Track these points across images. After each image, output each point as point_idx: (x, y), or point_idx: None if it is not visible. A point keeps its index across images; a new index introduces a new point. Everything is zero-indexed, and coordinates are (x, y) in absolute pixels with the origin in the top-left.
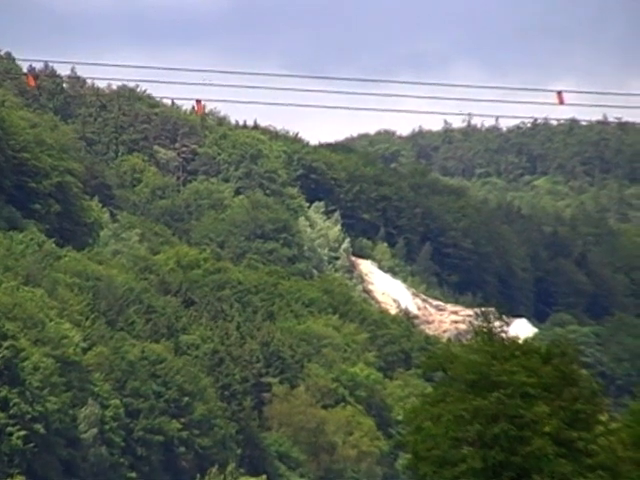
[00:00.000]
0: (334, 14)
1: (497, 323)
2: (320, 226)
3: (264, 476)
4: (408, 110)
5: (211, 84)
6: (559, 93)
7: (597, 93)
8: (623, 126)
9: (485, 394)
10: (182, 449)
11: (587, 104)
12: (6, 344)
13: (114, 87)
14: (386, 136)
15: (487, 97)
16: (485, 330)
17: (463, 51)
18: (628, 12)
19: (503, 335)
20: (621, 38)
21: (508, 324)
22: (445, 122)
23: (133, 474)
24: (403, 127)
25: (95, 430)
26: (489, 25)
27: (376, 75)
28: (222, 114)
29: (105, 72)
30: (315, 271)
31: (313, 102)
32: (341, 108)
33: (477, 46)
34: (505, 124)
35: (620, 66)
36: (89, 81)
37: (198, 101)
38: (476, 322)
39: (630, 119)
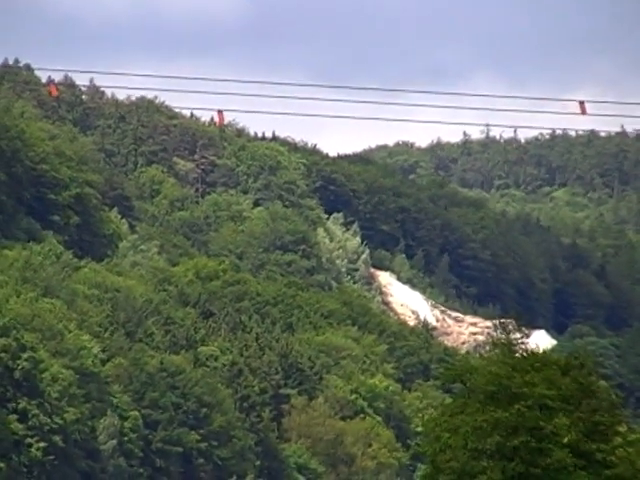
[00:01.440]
0: (354, 24)
1: (517, 335)
2: (339, 237)
3: None
4: (426, 120)
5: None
6: (581, 103)
7: (619, 103)
8: None
9: (505, 406)
10: (201, 460)
11: (609, 114)
12: (25, 355)
13: (133, 98)
14: (405, 147)
15: (506, 108)
16: (504, 342)
17: (483, 62)
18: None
19: (522, 347)
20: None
21: (528, 335)
22: (464, 133)
23: None
24: (422, 139)
25: (114, 441)
26: (509, 36)
27: (395, 86)
28: (241, 125)
29: (124, 82)
30: (334, 282)
31: (332, 112)
32: (360, 118)
33: (497, 57)
34: (524, 135)
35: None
36: (108, 92)
37: (219, 112)
38: (495, 334)
39: None
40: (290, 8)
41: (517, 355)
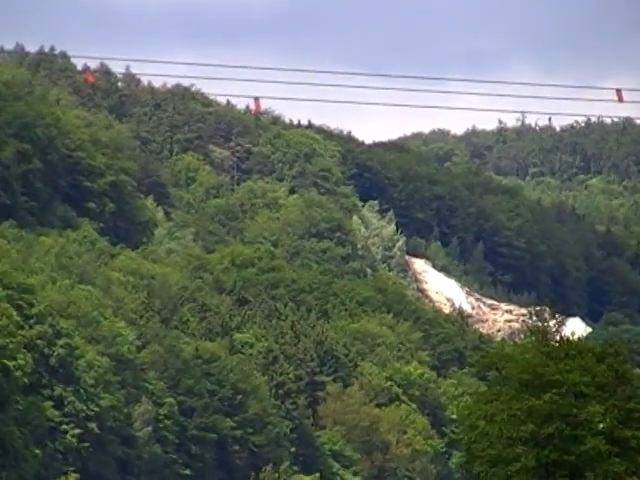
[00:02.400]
0: (390, 11)
1: (552, 322)
2: (374, 225)
3: (317, 474)
4: (461, 107)
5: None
6: (618, 91)
7: None
8: None
9: (539, 394)
10: (236, 447)
11: None
12: (61, 342)
13: (169, 86)
14: (440, 135)
15: (542, 95)
16: (539, 329)
17: (519, 50)
18: None
19: (557, 334)
20: None
21: (563, 323)
22: (499, 121)
23: (187, 472)
24: (457, 126)
25: (149, 428)
26: (545, 23)
27: (431, 74)
28: (276, 113)
29: (160, 70)
30: (369, 270)
31: (367, 100)
32: (395, 105)
33: (533, 44)
34: (559, 123)
35: None
36: (144, 80)
37: (256, 99)
38: (530, 321)
39: None
40: None
41: (552, 343)
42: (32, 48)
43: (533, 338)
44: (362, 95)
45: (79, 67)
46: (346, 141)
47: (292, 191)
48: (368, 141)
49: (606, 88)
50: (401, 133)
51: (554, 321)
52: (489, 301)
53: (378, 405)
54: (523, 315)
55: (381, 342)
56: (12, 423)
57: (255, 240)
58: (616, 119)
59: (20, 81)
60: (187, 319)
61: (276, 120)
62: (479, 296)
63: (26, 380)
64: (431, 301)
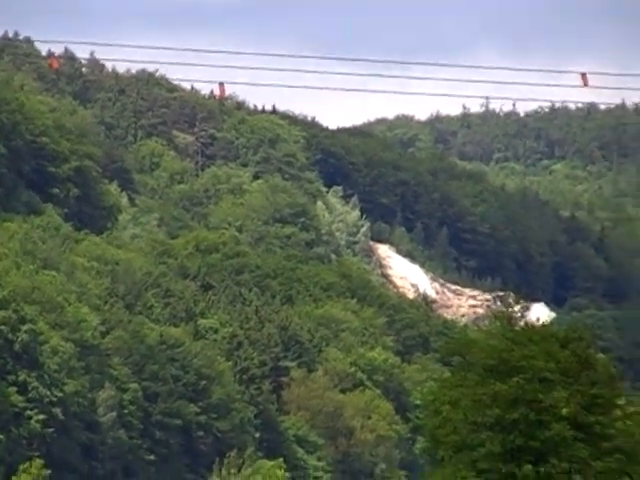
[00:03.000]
0: None
1: (517, 307)
2: (338, 210)
3: (281, 459)
4: (425, 93)
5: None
6: (583, 75)
7: (620, 75)
8: None
9: (504, 379)
10: (200, 433)
11: (610, 87)
12: (25, 328)
13: (133, 72)
14: (404, 121)
15: (508, 80)
16: (504, 315)
17: (485, 33)
18: None
19: (522, 320)
20: None
21: (528, 308)
22: (463, 107)
23: (152, 457)
24: (421, 112)
25: (114, 414)
26: (512, 7)
27: (396, 58)
28: (240, 98)
29: (124, 55)
30: (333, 255)
31: (332, 85)
32: (359, 90)
33: (500, 28)
34: (523, 109)
35: None
36: (108, 66)
37: (221, 84)
38: (494, 306)
39: None
40: None
41: (516, 328)
42: None
43: (498, 323)
44: (326, 80)
45: (43, 52)
46: (310, 126)
47: (256, 176)
48: (332, 126)
49: (571, 72)
50: (365, 119)
51: (519, 306)
52: (453, 286)
53: (342, 390)
54: (487, 300)
55: (345, 327)
56: None
57: (219, 225)
58: (580, 104)
59: None
60: (151, 305)
61: (240, 105)
62: (443, 281)
63: None
64: (395, 286)
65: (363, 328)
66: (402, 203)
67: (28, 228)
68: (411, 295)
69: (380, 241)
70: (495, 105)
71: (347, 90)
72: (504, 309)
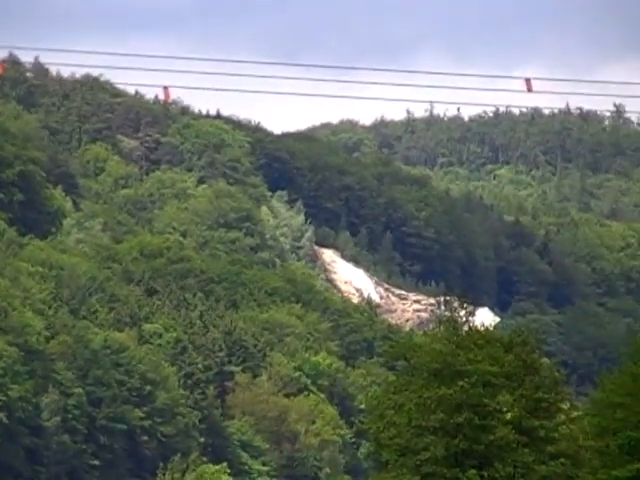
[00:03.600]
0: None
1: (462, 312)
2: (283, 215)
3: (224, 463)
4: (369, 97)
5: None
6: (527, 80)
7: (564, 80)
8: (585, 116)
9: (448, 383)
10: (145, 437)
11: (555, 92)
12: None
13: (77, 76)
14: (349, 125)
15: (452, 84)
16: (449, 319)
17: (430, 38)
18: None
19: (467, 324)
20: (589, 24)
21: (473, 313)
22: (407, 112)
23: (96, 462)
24: (365, 116)
25: (58, 418)
26: (457, 11)
27: (342, 62)
28: (185, 103)
29: (69, 59)
30: (278, 260)
31: (275, 89)
32: (303, 95)
33: (445, 32)
34: (467, 113)
35: (588, 53)
36: (52, 70)
37: (165, 88)
38: (439, 311)
39: (594, 107)
40: None
41: (461, 333)
42: None
43: (442, 328)
44: (271, 84)
45: None
46: (255, 131)
47: (201, 181)
48: (277, 131)
49: (515, 77)
50: (310, 123)
51: (464, 311)
52: (398, 291)
53: (287, 395)
54: (432, 305)
55: (290, 332)
56: None
57: (164, 230)
58: (525, 109)
59: None
60: (96, 309)
61: (185, 110)
62: (388, 286)
63: None
64: (340, 291)
65: (307, 333)
66: (347, 208)
67: None
68: (356, 300)
69: (325, 246)
70: (439, 110)
71: (291, 94)
72: (449, 313)
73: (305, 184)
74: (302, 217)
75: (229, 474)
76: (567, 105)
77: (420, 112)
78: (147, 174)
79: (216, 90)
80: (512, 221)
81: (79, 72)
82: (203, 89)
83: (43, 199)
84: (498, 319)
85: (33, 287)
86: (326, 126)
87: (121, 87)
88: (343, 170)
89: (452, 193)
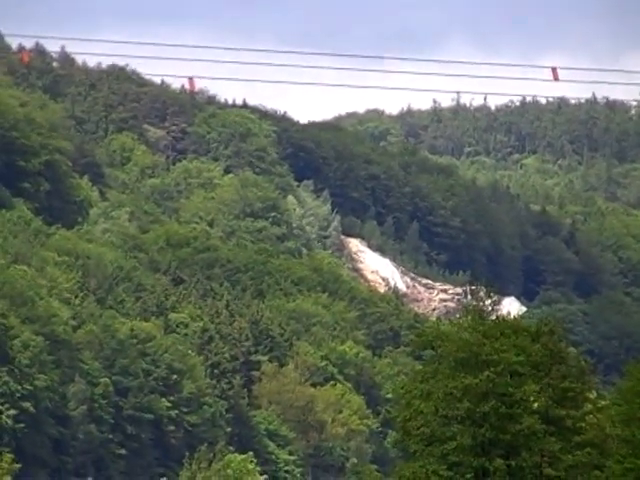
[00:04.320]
0: None
1: (488, 301)
2: (309, 205)
3: (250, 453)
4: (396, 87)
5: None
6: (554, 69)
7: (590, 69)
8: (611, 105)
9: (475, 372)
10: (171, 427)
11: (580, 80)
12: None
13: (104, 66)
14: (375, 115)
15: (479, 74)
16: (475, 308)
17: (456, 27)
18: None
19: (493, 313)
20: (614, 11)
21: (499, 302)
22: (434, 101)
23: (123, 451)
24: (392, 106)
25: (84, 408)
26: (483, 1)
27: (368, 51)
28: (211, 93)
29: (95, 49)
30: (304, 249)
31: (302, 79)
32: (330, 85)
33: (471, 21)
34: (494, 103)
35: (614, 41)
36: (79, 60)
37: (190, 79)
38: (465, 300)
39: (620, 96)
40: None
41: (487, 322)
42: None
43: (469, 317)
44: (297, 74)
45: (14, 47)
46: (281, 121)
47: (227, 171)
48: (303, 121)
49: (542, 67)
50: (336, 112)
51: (490, 300)
52: (424, 280)
53: (313, 384)
54: (458, 294)
55: (316, 322)
56: None
57: (190, 220)
58: (551, 98)
59: None
60: (122, 299)
61: (211, 100)
62: (414, 275)
63: None
64: (366, 281)
65: (334, 322)
66: (373, 197)
67: None
68: (382, 289)
69: (351, 235)
70: (466, 99)
71: (318, 84)
72: (475, 303)
73: (331, 174)
74: (328, 206)
75: (255, 463)
76: (593, 94)
77: (447, 101)
78: (173, 164)
79: (242, 80)
80: (538, 210)
81: (105, 62)
82: (229, 79)
83: (69, 189)
84: (524, 308)
85: (59, 277)
86: (352, 115)
87: (147, 77)
88: (369, 159)
89: (478, 182)
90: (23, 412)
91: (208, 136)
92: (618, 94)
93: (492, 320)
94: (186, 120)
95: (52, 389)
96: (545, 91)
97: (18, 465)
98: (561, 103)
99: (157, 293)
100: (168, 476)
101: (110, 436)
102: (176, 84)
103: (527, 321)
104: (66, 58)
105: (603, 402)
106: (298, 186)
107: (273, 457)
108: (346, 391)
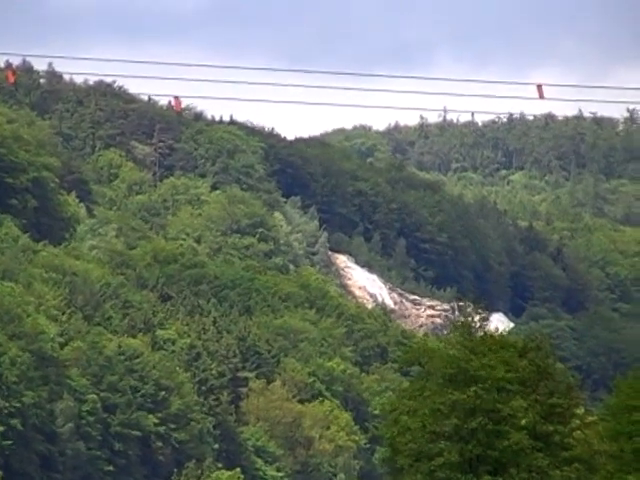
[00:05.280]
0: (314, 5)
1: (477, 317)
2: (297, 221)
3: (238, 469)
4: (382, 106)
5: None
6: (539, 86)
7: (576, 86)
8: (599, 121)
9: (463, 388)
10: (159, 444)
11: (566, 99)
12: None
13: (91, 83)
14: (362, 131)
15: (466, 91)
16: (464, 324)
17: (445, 41)
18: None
19: (482, 329)
20: (603, 26)
21: (488, 319)
22: (421, 117)
23: (110, 468)
24: (379, 122)
25: (72, 425)
26: (471, 15)
27: (357, 67)
28: (198, 109)
29: (83, 67)
30: (292, 266)
31: (290, 96)
32: (317, 104)
33: (459, 36)
34: (481, 119)
35: (602, 55)
36: (66, 77)
37: (176, 97)
38: (453, 316)
39: (607, 113)
40: None
41: (475, 338)
42: None
43: (457, 333)
44: (283, 92)
45: (1, 64)
46: (268, 137)
47: (214, 187)
48: (290, 137)
49: (528, 84)
50: (323, 129)
51: (479, 316)
52: (412, 296)
53: (301, 401)
54: (445, 310)
55: (304, 338)
56: None
57: (178, 236)
58: (538, 114)
59: None
60: (110, 315)
61: (198, 116)
62: (402, 291)
63: None
64: (354, 297)
65: (322, 338)
66: (360, 213)
67: None
68: (370, 305)
69: (338, 251)
70: (453, 115)
71: (305, 103)
72: (464, 319)
73: (319, 190)
74: (316, 223)
75: None
76: (580, 110)
77: (433, 117)
78: (161, 180)
79: (229, 99)
80: (526, 226)
81: (92, 78)
82: (216, 98)
83: (57, 205)
84: (512, 324)
85: (47, 293)
86: (339, 131)
87: (135, 93)
88: (356, 175)
89: (466, 198)
90: (11, 429)
91: (195, 152)
92: (605, 110)
93: (480, 336)
94: (173, 136)
95: (40, 406)
96: (532, 107)
97: None
98: (548, 119)
99: (144, 310)
100: None
101: (98, 453)
102: (163, 101)
103: (514, 337)
104: (53, 74)
105: (591, 418)
106: (285, 202)
107: (261, 473)
108: (334, 407)
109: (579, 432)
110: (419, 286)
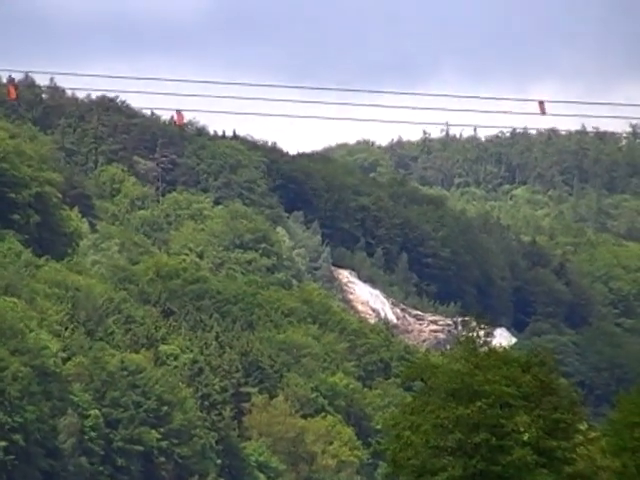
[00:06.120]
0: (317, 20)
1: (481, 332)
2: (299, 236)
3: None
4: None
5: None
6: (541, 103)
7: (579, 102)
8: (601, 136)
9: (466, 403)
10: (162, 459)
11: (568, 114)
12: None
13: (93, 97)
14: (365, 146)
15: (468, 106)
16: (468, 339)
17: (448, 58)
18: (605, 11)
19: (485, 345)
20: (605, 42)
21: (492, 333)
22: (424, 132)
23: None
24: (382, 137)
25: (74, 440)
26: (473, 32)
27: (361, 82)
28: (201, 124)
29: (85, 82)
30: (294, 281)
31: (292, 112)
32: (320, 118)
33: (461, 53)
34: (484, 134)
35: (604, 71)
36: (68, 91)
37: (178, 112)
38: (456, 331)
39: (610, 127)
40: (253, 6)
41: (479, 353)
42: None
43: (461, 348)
44: (286, 107)
45: (3, 79)
46: (271, 152)
47: (217, 202)
48: (293, 152)
49: (530, 100)
50: (326, 143)
51: (483, 331)
52: (414, 311)
53: (304, 416)
54: (448, 325)
55: (307, 353)
56: None
57: (180, 251)
58: (541, 129)
59: None
60: (112, 331)
61: (201, 131)
62: (404, 306)
63: None
64: (357, 312)
65: (324, 353)
66: (363, 228)
67: None
68: (372, 320)
69: (341, 266)
70: (455, 130)
71: (307, 117)
72: (467, 334)
73: (321, 205)
74: (318, 238)
75: None
76: (583, 125)
77: (436, 132)
78: (163, 195)
79: (230, 113)
80: (529, 241)
81: (95, 93)
82: (218, 112)
83: (59, 220)
84: (515, 339)
85: (49, 308)
86: (342, 146)
87: (137, 108)
88: (359, 190)
89: (468, 213)
90: (13, 444)
91: (198, 167)
92: (608, 125)
93: (483, 351)
94: (176, 151)
95: (42, 421)
96: (535, 122)
97: None
98: (551, 134)
99: (147, 325)
100: None
101: (100, 468)
102: (166, 115)
103: (517, 352)
104: (56, 89)
105: (594, 433)
106: (288, 217)
107: None
108: (336, 422)
109: (582, 448)
110: (422, 301)
